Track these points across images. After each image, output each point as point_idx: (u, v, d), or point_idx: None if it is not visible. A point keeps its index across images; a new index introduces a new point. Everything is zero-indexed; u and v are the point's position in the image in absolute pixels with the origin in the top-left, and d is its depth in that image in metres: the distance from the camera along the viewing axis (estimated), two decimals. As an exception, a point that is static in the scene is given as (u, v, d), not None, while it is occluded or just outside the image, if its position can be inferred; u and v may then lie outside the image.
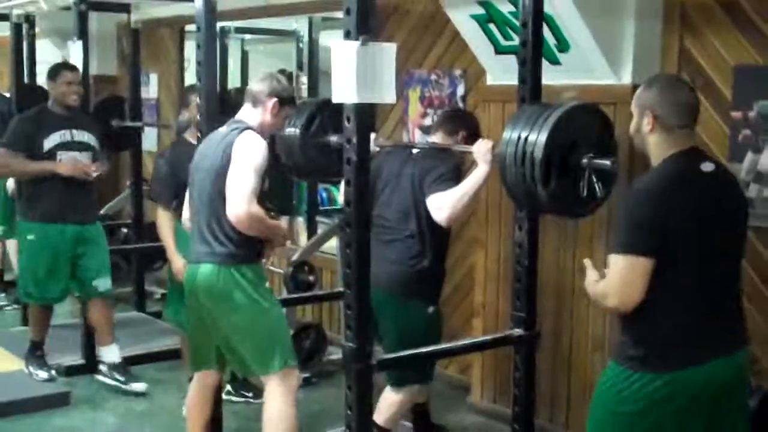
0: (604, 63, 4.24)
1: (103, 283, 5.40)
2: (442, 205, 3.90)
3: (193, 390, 4.04)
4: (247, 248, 3.70)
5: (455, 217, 3.93)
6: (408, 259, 4.07)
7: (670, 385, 2.76)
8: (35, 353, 5.51)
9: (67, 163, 5.20)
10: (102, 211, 6.58)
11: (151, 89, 8.11)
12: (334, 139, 4.29)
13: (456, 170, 4.05)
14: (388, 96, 3.21)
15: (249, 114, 3.79)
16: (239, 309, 3.67)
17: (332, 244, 5.80)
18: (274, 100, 3.76)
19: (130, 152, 7.10)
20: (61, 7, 6.20)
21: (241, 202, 3.56)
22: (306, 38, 7.25)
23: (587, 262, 2.97)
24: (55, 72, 5.38)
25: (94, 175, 5.31)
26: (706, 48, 4.15)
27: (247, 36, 8.66)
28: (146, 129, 7.28)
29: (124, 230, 7.59)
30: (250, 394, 5.14)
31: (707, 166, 2.85)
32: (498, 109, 4.77)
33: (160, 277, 7.87)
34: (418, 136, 5.59)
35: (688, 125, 2.87)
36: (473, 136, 4.19)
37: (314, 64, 7.11)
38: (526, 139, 3.30)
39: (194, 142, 4.80)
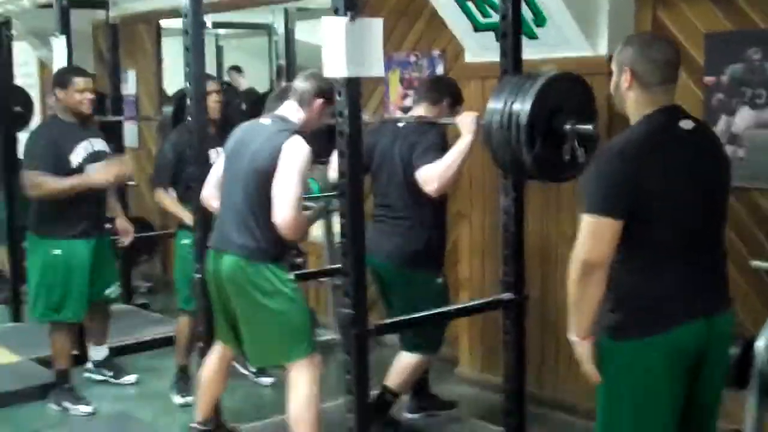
0: (580, 35, 4.37)
1: (115, 291, 5.40)
2: (429, 177, 4.01)
3: (210, 360, 4.11)
4: (279, 246, 3.76)
5: (443, 188, 4.04)
6: (413, 233, 4.20)
7: (653, 349, 2.74)
8: (64, 385, 5.10)
9: (100, 173, 4.91)
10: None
11: (129, 85, 8.15)
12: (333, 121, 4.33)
13: (441, 140, 4.16)
14: (377, 69, 3.32)
15: (294, 112, 3.84)
16: (266, 304, 3.73)
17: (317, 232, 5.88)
18: (321, 100, 3.82)
19: (113, 147, 7.13)
20: (41, 5, 6.23)
21: (290, 209, 3.63)
22: (281, 31, 7.33)
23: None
24: (64, 79, 5.05)
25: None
26: (678, 16, 4.30)
27: (221, 31, 8.72)
28: (126, 125, 7.35)
29: (108, 225, 7.64)
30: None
31: (686, 124, 2.80)
32: (478, 85, 4.89)
33: (145, 271, 7.98)
34: (399, 118, 5.71)
35: (667, 81, 2.82)
36: (457, 102, 4.34)
37: (291, 56, 7.16)
38: (512, 105, 3.42)
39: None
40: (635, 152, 2.72)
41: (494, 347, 4.91)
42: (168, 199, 5.05)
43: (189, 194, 4.40)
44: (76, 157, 4.93)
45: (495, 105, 3.50)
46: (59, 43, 5.66)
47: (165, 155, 5.08)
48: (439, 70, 5.45)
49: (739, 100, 4.08)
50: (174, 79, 7.45)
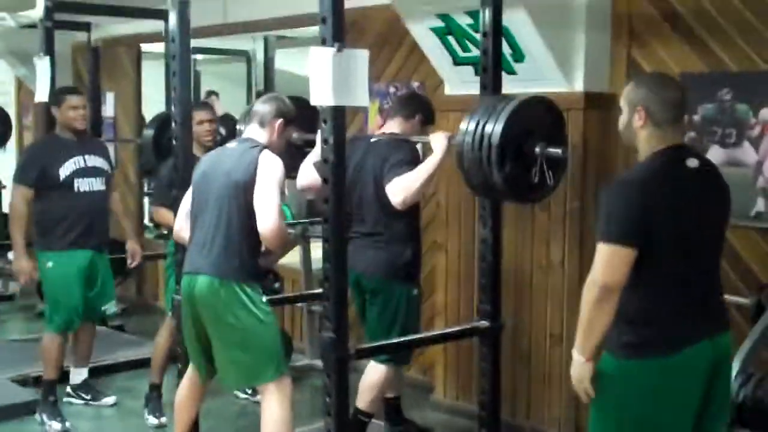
0: (557, 72, 4.50)
1: (111, 307, 5.47)
2: (396, 190, 4.13)
3: (183, 385, 4.14)
4: (253, 265, 3.83)
5: (409, 201, 4.14)
6: (388, 247, 4.29)
7: (666, 369, 2.90)
8: (49, 398, 5.18)
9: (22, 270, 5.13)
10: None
11: (107, 107, 8.20)
12: (294, 135, 4.40)
13: (412, 155, 4.25)
14: (362, 99, 3.40)
15: (257, 133, 3.96)
16: (238, 325, 3.78)
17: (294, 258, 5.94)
18: (281, 120, 3.96)
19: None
20: (24, 26, 6.27)
21: (273, 217, 3.72)
22: (260, 58, 7.42)
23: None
24: (58, 98, 5.27)
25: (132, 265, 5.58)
26: (653, 57, 4.44)
27: (199, 56, 8.80)
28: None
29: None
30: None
31: (692, 162, 2.97)
32: (457, 118, 4.93)
33: (119, 293, 7.97)
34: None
35: (678, 120, 3.01)
36: (428, 119, 4.45)
37: (270, 84, 7.25)
38: (484, 126, 3.52)
39: (195, 152, 5.06)
40: (648, 186, 2.90)
41: (469, 375, 5.01)
42: (168, 216, 5.08)
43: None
44: (64, 171, 5.07)
45: (468, 126, 3.60)
46: (43, 64, 5.70)
47: (164, 178, 5.17)
48: (419, 101, 5.54)
49: (710, 139, 4.22)
50: (152, 102, 7.52)
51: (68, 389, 5.48)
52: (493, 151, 3.48)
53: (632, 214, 2.87)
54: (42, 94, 5.73)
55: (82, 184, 5.13)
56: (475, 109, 3.64)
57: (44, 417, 5.10)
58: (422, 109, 4.49)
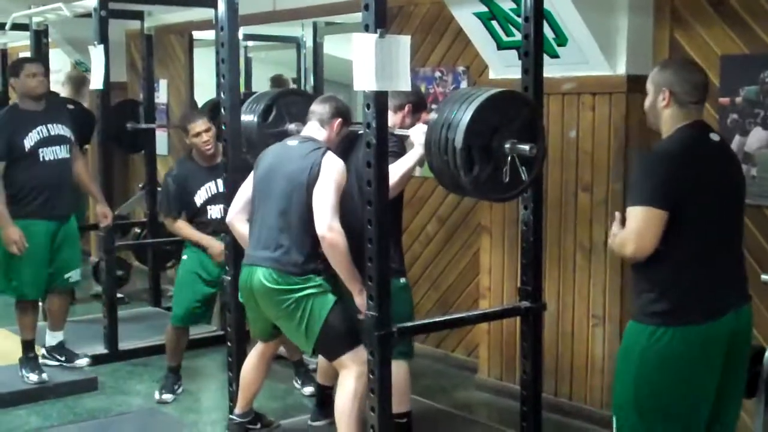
0: (599, 55, 4.53)
1: (75, 275, 5.59)
2: None
3: (250, 357, 4.38)
4: (313, 261, 3.95)
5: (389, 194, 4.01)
6: None
7: (694, 336, 3.01)
8: (28, 354, 5.44)
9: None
10: (116, 212, 6.74)
11: (160, 94, 8.36)
12: (291, 126, 4.49)
13: (399, 148, 4.18)
14: (404, 84, 3.48)
15: (317, 132, 4.12)
16: (302, 317, 3.93)
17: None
18: (339, 120, 4.14)
19: (145, 153, 7.38)
20: (79, 15, 6.42)
21: (332, 217, 3.85)
22: (309, 44, 7.50)
23: (617, 215, 3.21)
24: (16, 67, 5.36)
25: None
26: (695, 39, 4.44)
27: (250, 43, 8.91)
28: (158, 133, 7.56)
29: (137, 230, 7.88)
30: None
31: (715, 136, 3.19)
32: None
33: (172, 276, 8.15)
34: (423, 131, 5.86)
35: (700, 101, 3.18)
36: (419, 107, 4.34)
37: (319, 69, 7.33)
38: (447, 130, 3.42)
39: (198, 161, 5.28)
40: (679, 155, 3.08)
41: (512, 356, 5.07)
42: (179, 224, 5.35)
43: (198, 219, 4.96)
44: (29, 141, 5.20)
45: (432, 131, 3.51)
46: (97, 52, 5.83)
47: (167, 187, 5.39)
48: (464, 85, 5.60)
49: (752, 121, 4.22)
50: (204, 89, 7.66)
51: (43, 351, 5.64)
52: (458, 155, 3.39)
53: (662, 179, 3.03)
54: (97, 82, 5.89)
55: (47, 153, 5.26)
56: (438, 109, 3.55)
57: (24, 371, 5.34)
58: (411, 98, 4.31)
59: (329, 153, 4.00)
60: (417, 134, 3.96)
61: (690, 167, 3.06)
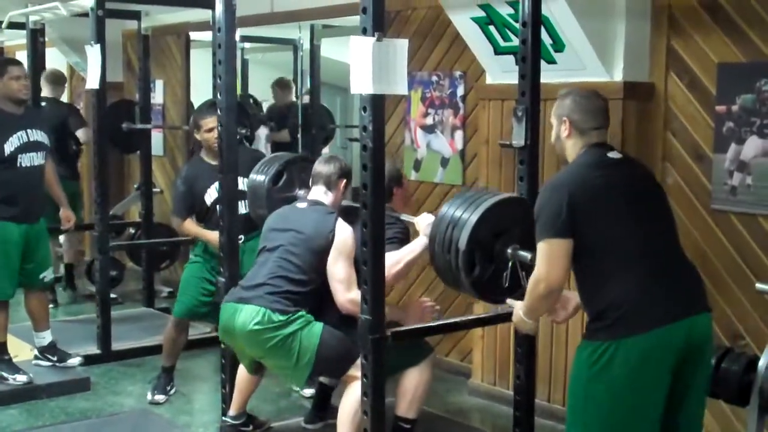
0: (596, 61, 4.53)
1: (49, 275, 5.57)
2: None
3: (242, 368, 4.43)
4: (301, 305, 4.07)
5: (389, 282, 3.94)
6: None
7: (635, 348, 2.96)
8: (4, 356, 5.36)
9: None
10: (111, 212, 6.71)
11: (156, 95, 8.35)
12: (300, 192, 4.54)
13: (402, 234, 4.25)
14: (401, 88, 3.49)
15: (324, 197, 4.27)
16: (291, 353, 4.01)
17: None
18: (345, 180, 4.30)
19: (141, 154, 7.37)
20: (76, 14, 6.42)
21: (352, 289, 3.98)
22: (307, 47, 7.49)
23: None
24: None
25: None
26: (692, 47, 4.45)
27: (247, 44, 8.90)
28: (153, 133, 7.56)
29: (131, 230, 7.88)
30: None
31: (614, 154, 3.21)
32: (497, 106, 5.06)
33: (166, 277, 8.15)
34: (420, 135, 5.88)
35: (600, 127, 3.24)
36: (398, 184, 4.41)
37: (316, 72, 7.32)
38: (452, 230, 3.50)
39: (207, 160, 5.18)
40: (566, 182, 3.11)
41: (506, 362, 5.07)
42: (188, 225, 5.33)
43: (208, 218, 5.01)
44: (9, 146, 5.14)
45: (437, 229, 3.57)
46: (94, 52, 5.82)
47: (177, 188, 5.38)
48: (460, 90, 5.61)
49: (748, 129, 4.22)
50: (200, 90, 7.66)
51: (35, 353, 5.61)
52: (460, 256, 3.46)
53: (554, 209, 3.04)
54: (93, 81, 5.87)
55: (25, 160, 5.21)
56: (451, 203, 3.61)
57: (5, 374, 5.27)
58: (392, 181, 4.29)
59: (341, 221, 4.09)
60: (423, 223, 4.02)
61: (585, 187, 3.08)
